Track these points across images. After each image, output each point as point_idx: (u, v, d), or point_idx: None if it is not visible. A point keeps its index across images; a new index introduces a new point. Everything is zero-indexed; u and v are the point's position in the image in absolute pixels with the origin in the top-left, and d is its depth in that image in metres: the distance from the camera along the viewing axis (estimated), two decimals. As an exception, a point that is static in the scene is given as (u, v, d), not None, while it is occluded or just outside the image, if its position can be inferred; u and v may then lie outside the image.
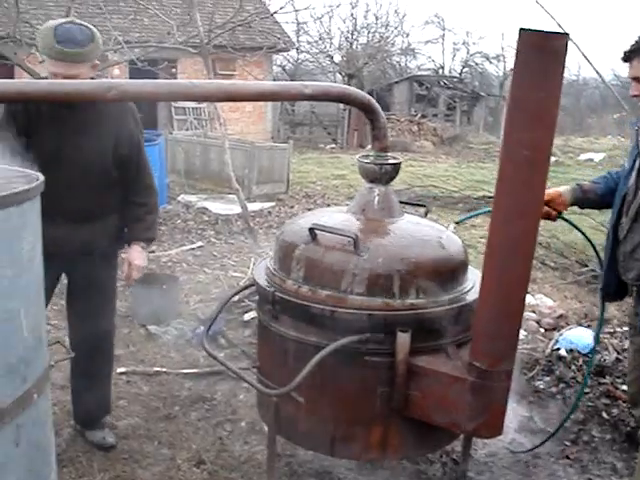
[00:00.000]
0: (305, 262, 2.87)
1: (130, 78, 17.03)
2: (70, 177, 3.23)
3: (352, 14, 29.24)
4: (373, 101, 3.01)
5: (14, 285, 2.04)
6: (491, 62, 36.94)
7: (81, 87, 2.39)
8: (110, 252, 3.63)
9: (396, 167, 3.08)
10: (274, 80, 23.91)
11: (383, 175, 3.05)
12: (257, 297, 3.25)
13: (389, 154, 3.08)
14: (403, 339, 2.75)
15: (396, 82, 29.25)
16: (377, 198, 3.04)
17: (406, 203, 3.49)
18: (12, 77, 12.73)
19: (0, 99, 2.61)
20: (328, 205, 10.67)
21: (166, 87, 2.47)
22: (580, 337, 5.13)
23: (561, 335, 5.22)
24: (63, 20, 3.23)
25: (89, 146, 3.28)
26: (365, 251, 2.78)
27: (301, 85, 2.85)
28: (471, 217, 4.09)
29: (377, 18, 30.10)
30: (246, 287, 3.57)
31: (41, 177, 2.27)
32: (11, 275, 2.02)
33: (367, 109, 3.00)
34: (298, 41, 27.67)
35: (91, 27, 3.22)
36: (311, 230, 2.85)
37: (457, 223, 3.51)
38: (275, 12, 9.50)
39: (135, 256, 3.60)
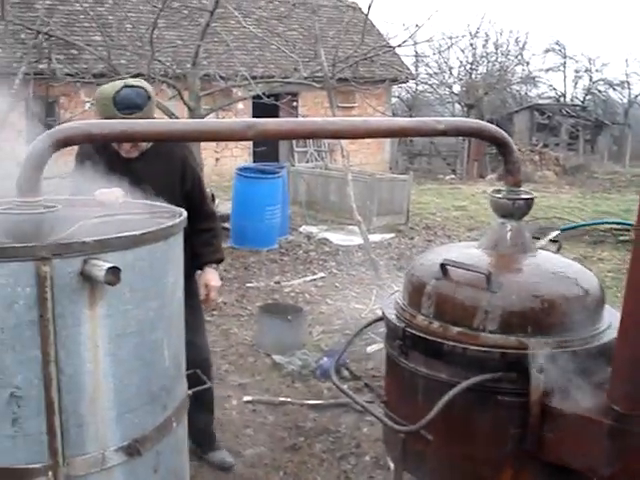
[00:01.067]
0: (436, 298, 2.85)
1: (253, 112, 17.55)
2: None
3: (472, 44, 29.09)
4: (506, 135, 2.98)
5: (159, 316, 2.13)
6: (615, 89, 35.76)
7: (221, 126, 2.47)
8: (189, 279, 3.75)
9: (529, 202, 3.02)
10: (393, 112, 24.03)
11: (516, 210, 3.00)
12: (385, 331, 3.25)
13: (522, 189, 3.04)
14: (537, 379, 2.67)
15: (516, 111, 28.77)
16: (509, 234, 2.99)
17: (537, 238, 3.42)
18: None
19: (146, 138, 2.74)
20: (449, 237, 10.58)
21: (304, 125, 2.54)
22: None
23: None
24: (118, 86, 3.34)
25: (160, 185, 3.39)
26: (498, 288, 2.74)
27: (434, 121, 2.85)
28: (577, 227, 3.96)
29: (497, 47, 29.82)
30: (375, 321, 3.57)
31: (184, 213, 2.37)
32: (156, 307, 2.11)
33: (500, 143, 2.98)
34: (417, 72, 27.72)
35: (145, 86, 3.38)
36: (442, 266, 2.83)
37: (562, 231, 3.41)
38: (398, 46, 9.54)
39: (210, 277, 3.74)
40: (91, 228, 2.08)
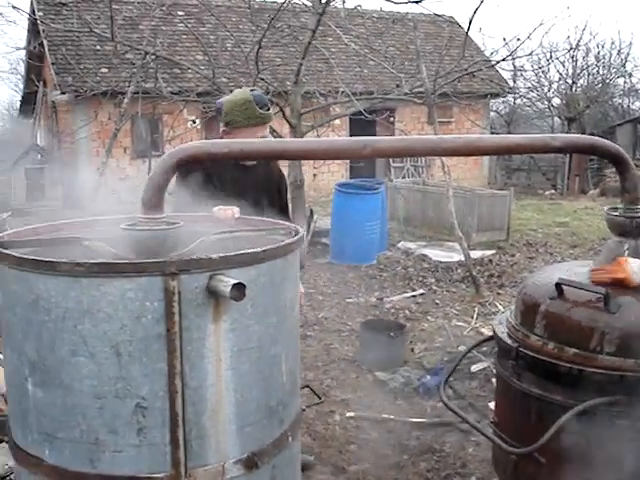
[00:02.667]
0: (551, 318, 2.79)
1: (350, 128, 17.65)
2: None
3: (572, 56, 28.38)
4: (622, 151, 2.91)
5: (278, 331, 2.16)
6: None
7: (338, 145, 2.51)
8: None
9: (648, 221, 2.93)
10: (491, 127, 23.70)
11: (634, 229, 2.92)
12: (495, 350, 3.20)
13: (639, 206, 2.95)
14: (659, 404, 2.58)
15: (619, 124, 27.87)
16: (627, 252, 2.91)
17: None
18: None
19: (264, 157, 2.79)
20: (551, 254, 10.33)
21: (417, 143, 2.54)
22: None
23: None
24: (247, 90, 3.58)
25: (262, 198, 3.57)
26: (616, 308, 2.66)
27: (549, 137, 2.81)
28: None
29: (598, 59, 29.00)
30: (486, 340, 3.53)
31: (301, 230, 2.40)
32: (275, 322, 2.15)
33: (616, 160, 2.91)
34: (515, 85, 27.25)
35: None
36: (557, 285, 2.78)
37: None
38: (502, 60, 9.42)
39: None
40: (211, 244, 2.14)
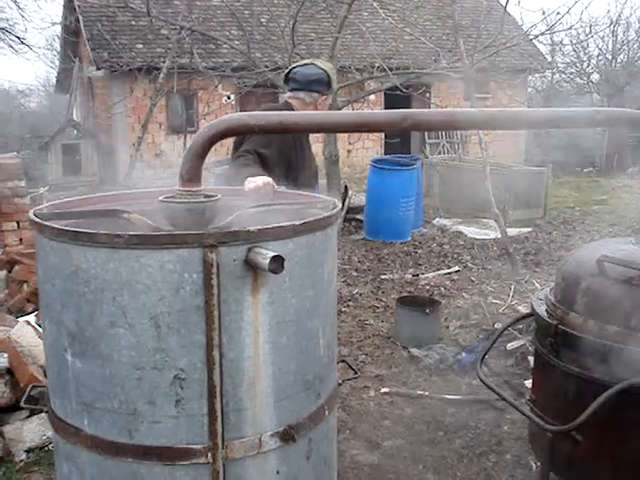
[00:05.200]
0: (592, 295, 2.75)
1: (385, 103, 17.51)
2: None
3: (612, 31, 27.79)
4: (669, 127, 2.83)
5: (315, 305, 2.15)
6: None
7: (378, 118, 2.47)
8: None
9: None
10: (528, 102, 23.34)
11: (679, 205, 2.85)
12: (534, 327, 3.17)
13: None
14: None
15: (662, 101, 27.29)
16: (671, 230, 2.85)
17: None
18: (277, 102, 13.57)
19: (304, 129, 2.77)
20: (588, 232, 10.18)
21: (459, 115, 2.49)
22: None
23: None
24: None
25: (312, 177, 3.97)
26: (659, 286, 2.61)
27: (593, 111, 2.74)
28: None
29: (639, 35, 28.35)
30: (524, 317, 3.49)
31: (338, 204, 2.38)
32: (313, 296, 2.13)
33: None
34: (553, 61, 26.81)
35: None
36: (600, 262, 2.73)
37: None
38: (540, 34, 9.26)
39: None
40: (249, 217, 2.13)
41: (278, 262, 1.83)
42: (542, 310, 2.99)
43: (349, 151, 18.18)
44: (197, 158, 2.09)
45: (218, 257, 1.87)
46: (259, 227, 1.91)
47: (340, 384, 2.49)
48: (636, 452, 2.71)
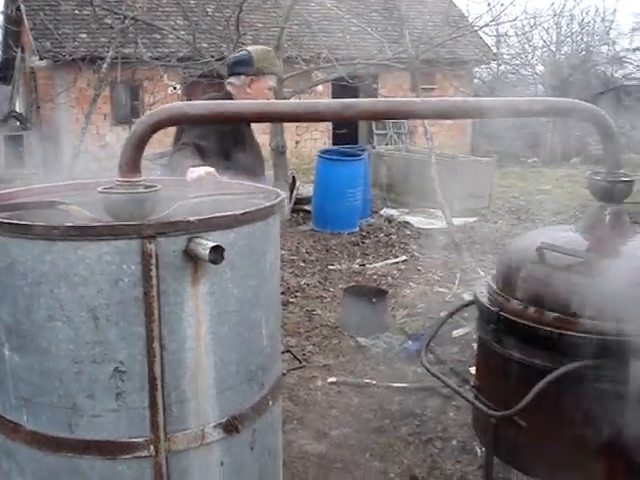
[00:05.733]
0: (532, 282, 2.79)
1: (333, 94, 17.51)
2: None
3: (556, 23, 28.25)
4: (604, 114, 2.88)
5: (257, 295, 2.15)
6: None
7: (320, 107, 2.46)
8: None
9: (629, 185, 2.92)
10: (474, 93, 23.60)
11: (615, 193, 2.91)
12: (477, 315, 3.21)
13: (622, 171, 2.94)
14: (637, 367, 2.60)
15: (602, 93, 27.84)
16: (608, 217, 2.91)
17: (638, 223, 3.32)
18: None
19: (244, 119, 2.76)
20: (533, 221, 10.35)
21: (400, 105, 2.51)
22: None
23: None
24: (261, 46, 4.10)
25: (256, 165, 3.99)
26: (597, 272, 2.66)
27: (531, 101, 2.79)
28: None
29: (582, 27, 28.89)
30: (467, 304, 3.54)
31: (282, 194, 2.38)
32: (255, 286, 2.13)
33: (598, 123, 2.88)
34: (498, 52, 27.16)
35: None
36: (539, 249, 2.77)
37: None
38: (482, 27, 9.36)
39: None
40: (190, 208, 2.11)
41: (218, 252, 1.82)
42: (484, 298, 3.02)
43: (297, 142, 18.17)
44: (136, 148, 2.05)
45: (157, 248, 1.85)
46: (199, 217, 1.90)
47: (285, 374, 2.50)
48: (576, 436, 2.77)
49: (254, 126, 4.11)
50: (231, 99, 3.72)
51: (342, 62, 9.63)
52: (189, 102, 2.39)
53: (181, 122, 2.61)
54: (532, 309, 2.75)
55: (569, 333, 2.65)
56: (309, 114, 2.44)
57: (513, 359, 2.84)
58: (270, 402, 2.33)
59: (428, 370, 3.15)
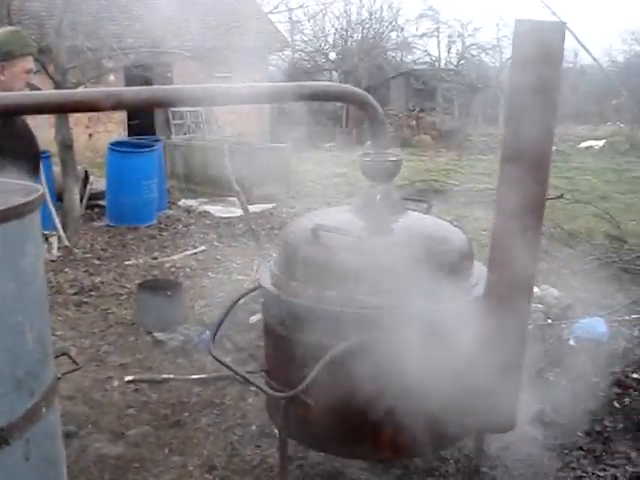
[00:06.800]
0: (309, 263, 2.85)
1: (126, 84, 17.02)
2: None
3: (346, 11, 29.23)
4: (370, 98, 2.98)
5: (19, 299, 2.02)
6: (487, 53, 36.77)
7: (78, 96, 2.37)
8: None
9: (397, 164, 3.06)
10: (270, 81, 23.88)
11: (384, 172, 3.03)
12: (262, 300, 3.23)
13: (390, 151, 3.07)
14: (410, 339, 2.72)
15: (392, 77, 29.14)
16: (379, 196, 3.03)
17: (408, 199, 3.48)
18: None
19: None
20: (329, 204, 10.63)
21: (161, 93, 2.46)
22: (592, 326, 5.11)
23: (571, 325, 5.21)
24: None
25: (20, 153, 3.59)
26: (369, 249, 2.76)
27: (298, 86, 2.83)
28: None
29: (371, 14, 30.10)
30: (251, 290, 3.56)
31: (41, 189, 2.25)
32: (15, 289, 2.00)
33: (365, 106, 2.98)
34: (293, 40, 27.67)
35: None
36: (314, 231, 2.83)
37: None
38: (269, 12, 9.44)
39: None
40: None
41: (-41, 256, 1.69)
42: (267, 281, 3.05)
43: (90, 135, 17.50)
44: None
45: None
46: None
47: (59, 378, 2.37)
48: (360, 408, 2.85)
49: (31, 119, 3.87)
50: None
51: (129, 50, 9.36)
52: None
53: None
54: (311, 289, 2.81)
55: (347, 310, 2.73)
56: (67, 104, 2.34)
57: (296, 340, 2.89)
58: (44, 409, 2.20)
59: (217, 359, 3.14)
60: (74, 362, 2.66)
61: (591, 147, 19.35)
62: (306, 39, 29.41)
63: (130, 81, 16.16)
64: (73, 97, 2.38)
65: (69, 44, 9.15)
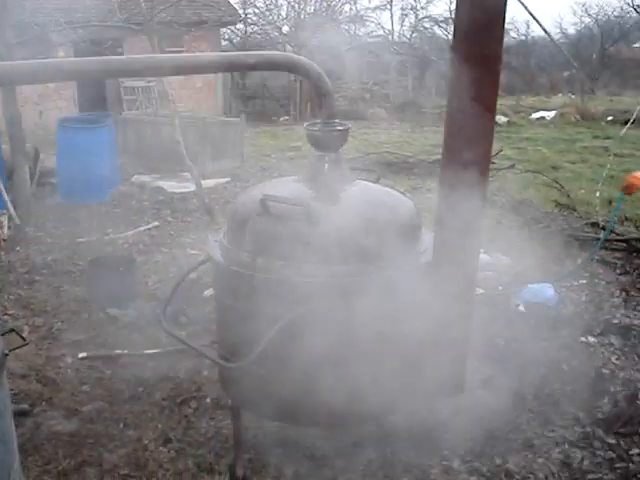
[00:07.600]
0: (258, 234, 2.85)
1: (75, 60, 16.67)
2: None
3: (298, -18, 28.92)
4: (317, 67, 2.97)
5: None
6: (440, 26, 36.75)
7: (22, 68, 2.32)
8: None
9: (344, 133, 3.06)
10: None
11: (332, 142, 3.03)
12: (213, 272, 3.23)
13: (337, 121, 3.06)
14: (360, 306, 2.75)
15: (346, 50, 28.99)
16: (327, 165, 3.03)
17: (358, 169, 3.50)
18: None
19: None
20: (283, 177, 10.60)
21: (102, 64, 2.42)
22: (541, 291, 5.21)
23: (521, 291, 5.30)
24: None
25: None
26: (318, 219, 2.77)
27: (244, 55, 2.82)
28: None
29: (326, -14, 29.81)
30: (200, 263, 3.54)
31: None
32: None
33: (312, 76, 2.97)
34: (245, 13, 27.38)
35: None
36: (262, 201, 2.83)
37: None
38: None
39: None
40: None
41: None
42: (217, 253, 3.05)
43: (41, 112, 17.13)
44: None
45: None
46: None
47: (7, 354, 2.34)
48: (311, 377, 2.87)
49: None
50: None
51: (76, 25, 9.17)
52: None
53: None
54: (260, 260, 2.82)
55: (296, 280, 2.75)
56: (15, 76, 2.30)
57: (246, 311, 2.90)
58: (-10, 386, 2.19)
59: (169, 333, 3.13)
60: (22, 338, 2.63)
61: (542, 118, 19.54)
62: (258, 12, 29.05)
63: (80, 56, 15.85)
64: (18, 68, 2.33)
65: (16, 19, 8.94)
